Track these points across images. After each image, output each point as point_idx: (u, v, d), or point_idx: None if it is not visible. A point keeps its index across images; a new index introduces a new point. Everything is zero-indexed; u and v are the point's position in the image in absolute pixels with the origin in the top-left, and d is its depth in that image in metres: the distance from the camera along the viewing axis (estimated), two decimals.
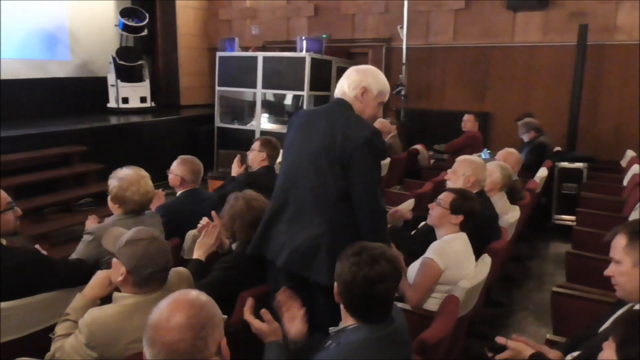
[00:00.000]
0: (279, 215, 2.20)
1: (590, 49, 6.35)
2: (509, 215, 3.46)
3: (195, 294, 1.30)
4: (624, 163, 5.97)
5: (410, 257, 2.68)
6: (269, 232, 2.22)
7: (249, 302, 1.89)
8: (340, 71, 7.76)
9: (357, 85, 2.18)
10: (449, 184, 3.20)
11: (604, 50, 6.68)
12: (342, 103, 2.19)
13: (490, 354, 1.88)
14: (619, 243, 1.73)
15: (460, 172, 3.15)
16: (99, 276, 2.02)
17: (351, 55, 8.42)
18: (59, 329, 1.91)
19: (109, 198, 2.66)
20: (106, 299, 1.95)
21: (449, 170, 3.31)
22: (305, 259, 2.06)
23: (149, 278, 1.79)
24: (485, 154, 5.87)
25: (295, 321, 1.82)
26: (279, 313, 1.89)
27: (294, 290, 1.96)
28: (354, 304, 1.58)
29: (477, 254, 2.68)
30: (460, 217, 2.59)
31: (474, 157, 3.33)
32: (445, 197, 2.67)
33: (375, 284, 1.53)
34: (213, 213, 2.59)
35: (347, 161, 2.04)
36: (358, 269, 1.55)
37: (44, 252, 2.37)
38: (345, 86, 2.21)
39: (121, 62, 7.76)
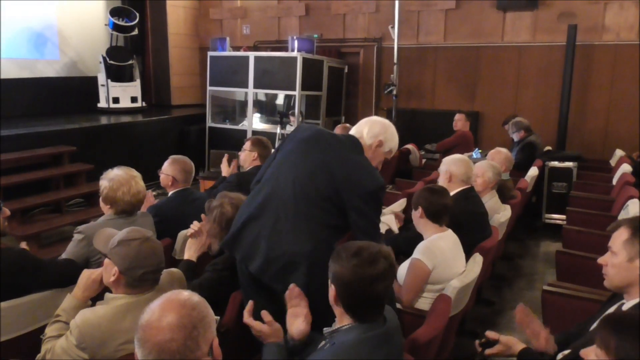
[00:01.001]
0: (262, 216, 2.11)
1: (579, 49, 6.42)
2: (500, 214, 3.48)
3: (187, 294, 1.30)
4: (613, 162, 6.03)
5: (401, 257, 2.69)
6: (245, 230, 2.14)
7: (250, 304, 1.88)
8: (332, 71, 7.87)
9: (375, 136, 2.28)
10: (439, 182, 3.24)
11: (592, 50, 6.74)
12: (358, 145, 2.23)
13: (480, 349, 1.90)
14: (620, 235, 1.75)
15: (443, 169, 3.22)
16: (87, 276, 1.99)
17: (342, 55, 8.43)
18: (49, 330, 1.89)
19: (100, 199, 2.66)
20: (97, 298, 1.94)
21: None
22: (281, 273, 2.03)
23: (142, 279, 1.78)
24: (476, 153, 5.90)
25: (298, 320, 1.81)
26: (286, 307, 1.86)
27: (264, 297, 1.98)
28: (354, 303, 1.58)
29: (467, 251, 2.69)
30: (420, 211, 2.62)
31: (456, 155, 3.36)
32: None
33: (376, 282, 1.54)
34: (203, 215, 2.58)
35: (348, 204, 2.06)
36: (361, 270, 1.55)
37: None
38: (365, 132, 2.29)
39: (111, 62, 7.73)
